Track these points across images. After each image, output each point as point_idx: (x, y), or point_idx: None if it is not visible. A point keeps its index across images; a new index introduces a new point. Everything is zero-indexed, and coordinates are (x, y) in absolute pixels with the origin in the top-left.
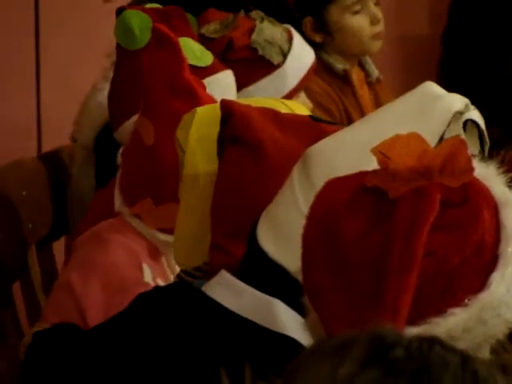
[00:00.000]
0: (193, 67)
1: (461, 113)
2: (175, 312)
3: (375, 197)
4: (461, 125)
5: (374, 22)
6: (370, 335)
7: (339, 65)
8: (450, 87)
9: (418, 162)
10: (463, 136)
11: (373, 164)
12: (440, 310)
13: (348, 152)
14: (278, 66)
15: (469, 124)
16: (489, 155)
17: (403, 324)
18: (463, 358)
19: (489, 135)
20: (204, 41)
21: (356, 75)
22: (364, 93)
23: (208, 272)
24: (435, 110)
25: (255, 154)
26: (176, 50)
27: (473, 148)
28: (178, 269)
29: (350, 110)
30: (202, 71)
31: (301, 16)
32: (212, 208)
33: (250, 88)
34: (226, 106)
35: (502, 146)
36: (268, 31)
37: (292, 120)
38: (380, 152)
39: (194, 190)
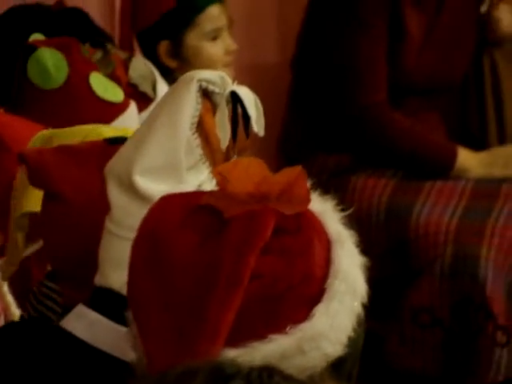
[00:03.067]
0: (108, 103)
1: (206, 80)
2: (29, 348)
3: (209, 216)
4: (224, 99)
5: (228, 51)
6: (210, 366)
7: None
8: (299, 114)
9: (256, 187)
10: (226, 110)
11: (141, 156)
12: (261, 335)
13: (124, 154)
14: (153, 99)
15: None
16: (340, 181)
17: (222, 344)
18: None
19: (340, 162)
20: None
21: (202, 104)
22: (209, 122)
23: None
24: (180, 82)
25: (58, 203)
26: None
27: (253, 121)
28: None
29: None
30: (117, 107)
31: (155, 40)
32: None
33: None
34: (20, 158)
35: (354, 172)
36: (139, 66)
37: (87, 150)
38: (220, 174)
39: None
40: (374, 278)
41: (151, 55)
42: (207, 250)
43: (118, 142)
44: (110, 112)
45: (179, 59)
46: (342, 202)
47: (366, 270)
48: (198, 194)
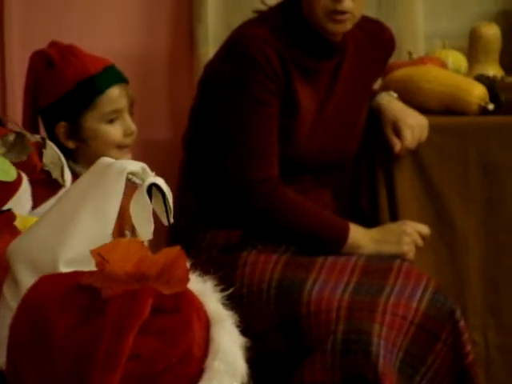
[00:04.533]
0: (1, 183)
1: (135, 175)
2: None
3: (88, 295)
4: (145, 189)
5: (126, 133)
6: None
7: (85, 170)
8: (190, 189)
9: (135, 267)
10: (149, 201)
11: (67, 246)
12: None
13: (43, 241)
14: (61, 185)
15: (154, 189)
16: (230, 257)
17: None
18: None
19: (230, 237)
20: None
21: None
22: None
23: None
24: (110, 173)
25: None
26: None
27: (159, 212)
28: None
29: None
30: (10, 185)
31: (54, 120)
32: None
33: (43, 206)
34: None
35: (244, 247)
36: (51, 152)
37: None
38: (99, 254)
39: None
40: (267, 353)
41: (52, 135)
42: (86, 329)
43: None
44: (5, 192)
45: (77, 140)
46: (233, 278)
47: (257, 345)
48: (77, 274)
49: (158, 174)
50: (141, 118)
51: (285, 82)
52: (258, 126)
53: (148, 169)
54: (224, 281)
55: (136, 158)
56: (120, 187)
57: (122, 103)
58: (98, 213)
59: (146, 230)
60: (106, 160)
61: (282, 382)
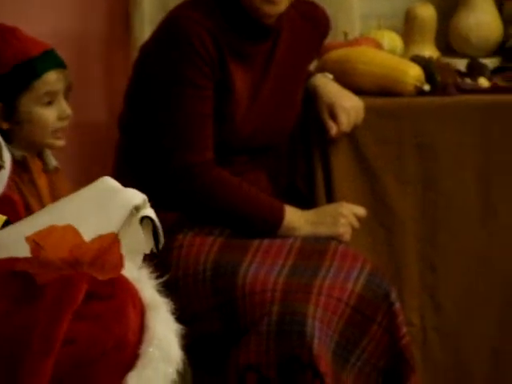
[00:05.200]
0: None
1: (138, 208)
2: None
3: (23, 282)
4: (138, 220)
5: (61, 116)
6: None
7: (18, 152)
8: (127, 172)
9: (69, 254)
10: (141, 231)
11: None
12: None
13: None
14: (1, 167)
15: (145, 220)
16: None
17: None
18: None
19: (166, 219)
20: None
21: (34, 164)
22: (42, 182)
23: None
24: (114, 204)
25: None
26: None
27: (148, 242)
28: None
29: (29, 197)
30: None
31: None
32: None
33: None
34: None
35: (180, 230)
36: None
37: None
38: (33, 241)
39: None
40: (203, 335)
41: None
42: (21, 315)
43: None
44: None
45: (11, 122)
46: (168, 261)
47: (194, 327)
48: (12, 261)
49: (95, 156)
50: (77, 101)
51: (219, 64)
52: (192, 108)
53: (147, 200)
54: (160, 263)
55: (73, 140)
56: (121, 220)
57: (59, 86)
58: (92, 233)
59: (135, 260)
60: (111, 183)
61: (219, 364)
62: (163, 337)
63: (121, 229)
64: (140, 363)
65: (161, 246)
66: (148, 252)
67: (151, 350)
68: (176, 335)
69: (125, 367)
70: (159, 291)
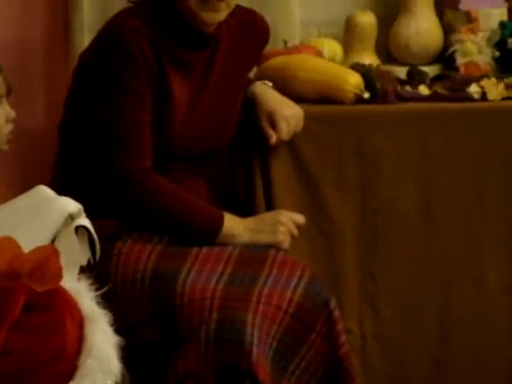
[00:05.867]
0: None
1: (73, 217)
2: None
3: None
4: (73, 229)
5: (8, 119)
6: None
7: None
8: (65, 178)
9: (8, 265)
10: (76, 240)
11: None
12: None
13: None
14: None
15: (81, 229)
16: (105, 247)
17: None
18: None
19: (104, 227)
20: None
21: None
22: None
23: None
24: (49, 213)
25: None
26: None
27: (84, 252)
28: None
29: None
30: None
31: None
32: None
33: None
34: None
35: (119, 238)
36: None
37: None
38: None
39: None
40: (142, 343)
41: None
42: None
43: None
44: None
45: None
46: (107, 269)
47: (132, 336)
48: None
49: (34, 162)
50: (17, 106)
51: (158, 72)
52: (131, 116)
53: (82, 210)
54: (100, 273)
55: (12, 146)
56: (56, 229)
57: (1, 90)
58: (28, 241)
59: (72, 269)
60: (46, 192)
61: (158, 372)
62: (102, 348)
63: (56, 238)
64: (78, 374)
65: (98, 257)
66: (85, 263)
67: (89, 361)
68: (115, 347)
69: (63, 378)
70: (98, 302)
